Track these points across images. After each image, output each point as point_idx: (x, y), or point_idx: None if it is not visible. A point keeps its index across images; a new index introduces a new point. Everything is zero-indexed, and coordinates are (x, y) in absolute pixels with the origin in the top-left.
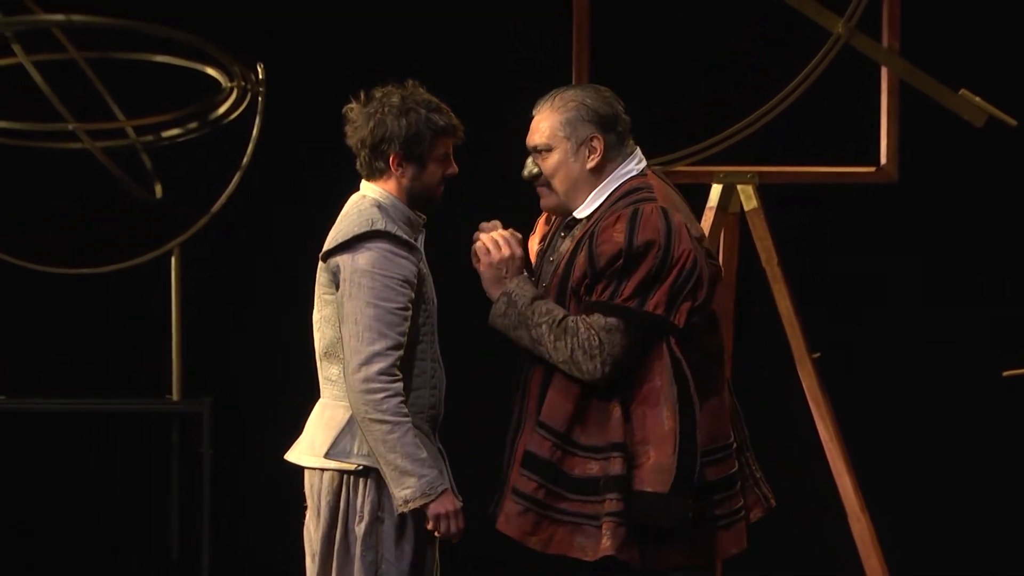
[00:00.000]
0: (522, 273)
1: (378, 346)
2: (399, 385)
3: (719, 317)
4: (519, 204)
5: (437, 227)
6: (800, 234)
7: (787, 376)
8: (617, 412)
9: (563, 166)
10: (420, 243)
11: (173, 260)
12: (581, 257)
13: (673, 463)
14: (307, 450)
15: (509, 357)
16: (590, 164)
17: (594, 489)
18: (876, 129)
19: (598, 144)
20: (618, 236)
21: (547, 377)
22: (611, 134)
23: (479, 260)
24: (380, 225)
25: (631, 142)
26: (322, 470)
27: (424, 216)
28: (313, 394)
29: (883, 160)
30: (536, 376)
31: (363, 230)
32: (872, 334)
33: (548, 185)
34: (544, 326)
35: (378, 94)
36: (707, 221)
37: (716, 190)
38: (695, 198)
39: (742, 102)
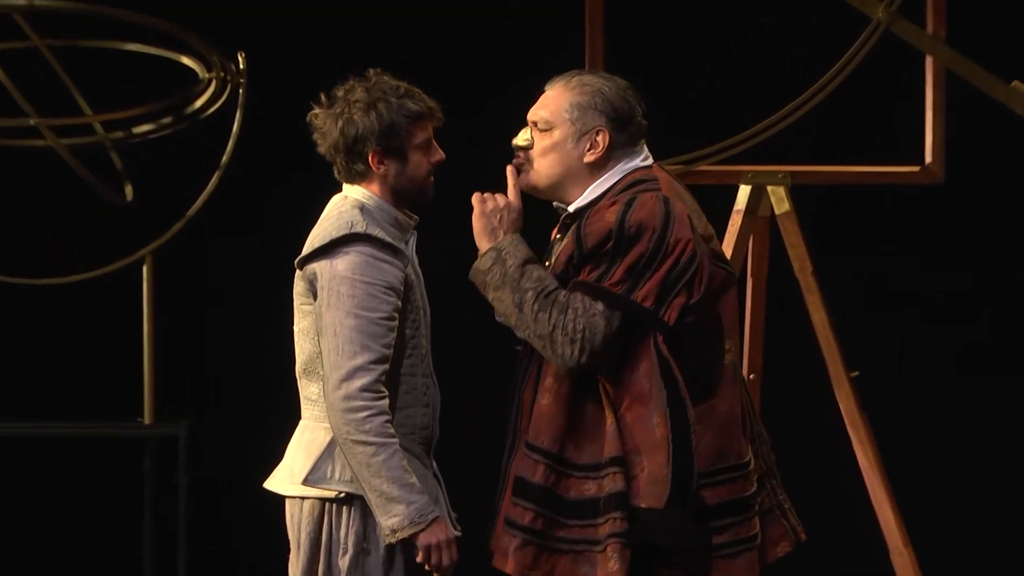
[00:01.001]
0: (518, 231)
1: (360, 360)
2: (384, 403)
3: (734, 327)
4: (530, 209)
5: (429, 227)
6: (836, 240)
7: (822, 397)
8: (611, 422)
9: (557, 150)
10: (411, 246)
11: (145, 269)
12: (568, 241)
13: (668, 474)
14: (287, 477)
15: (510, 369)
16: (588, 158)
17: (593, 511)
18: (920, 124)
19: (602, 139)
20: (609, 217)
21: (536, 389)
22: (621, 133)
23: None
24: (360, 228)
25: (642, 145)
26: (302, 498)
27: (415, 216)
28: (299, 414)
29: (928, 159)
30: (528, 390)
31: (341, 233)
32: (916, 350)
33: (531, 164)
34: (531, 292)
35: (340, 92)
36: (734, 225)
37: (744, 192)
38: (720, 201)
39: (772, 94)
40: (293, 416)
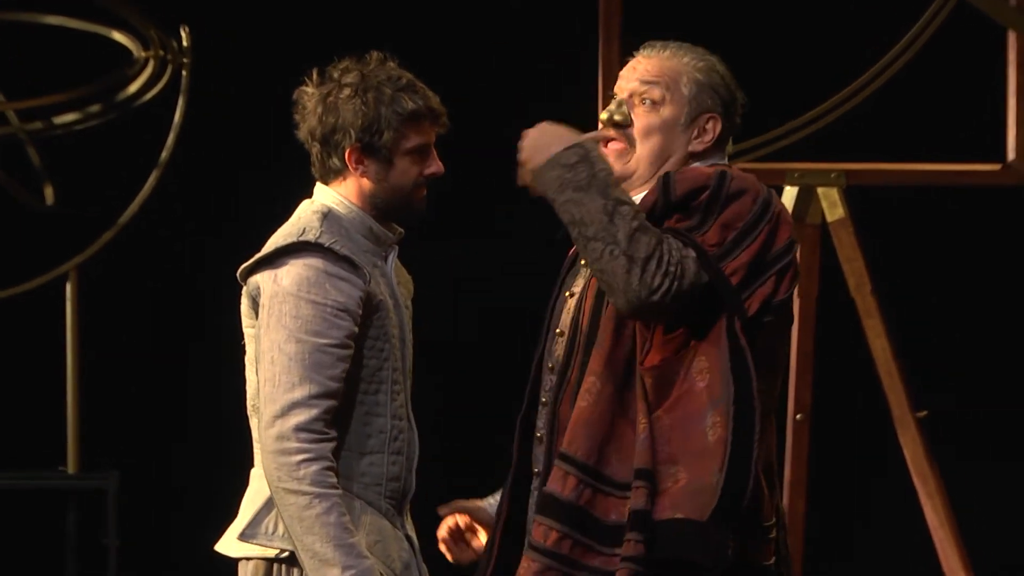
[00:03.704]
0: (599, 144)
1: (298, 393)
2: (325, 447)
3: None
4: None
5: (416, 238)
6: (901, 253)
7: (884, 440)
8: (644, 427)
9: (666, 131)
10: (390, 262)
11: (68, 287)
12: (646, 198)
13: (717, 482)
14: (232, 535)
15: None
16: (695, 146)
17: None
18: (1001, 114)
19: (712, 127)
20: (703, 172)
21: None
22: (728, 123)
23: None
24: (312, 236)
25: (730, 141)
26: (247, 559)
27: (400, 228)
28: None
29: (1010, 155)
30: (566, 402)
31: (288, 242)
32: (997, 384)
33: (632, 146)
34: (628, 207)
35: (335, 72)
36: None
37: (789, 194)
38: None
39: (823, 79)
40: (244, 465)
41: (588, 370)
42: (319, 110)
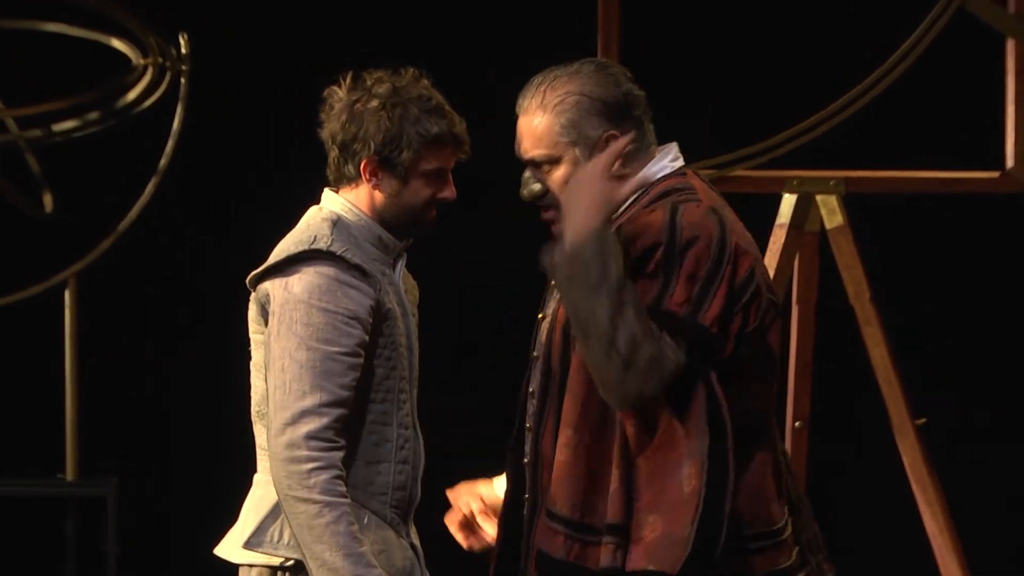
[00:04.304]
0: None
1: (309, 401)
2: (335, 455)
3: (777, 367)
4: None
5: (423, 245)
6: (899, 261)
7: (883, 449)
8: (616, 477)
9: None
10: (398, 270)
11: (67, 294)
12: None
13: (689, 535)
14: (235, 541)
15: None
16: (615, 171)
17: None
18: (1000, 122)
19: (619, 144)
20: (656, 220)
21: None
22: (627, 123)
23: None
24: (324, 243)
25: (651, 129)
26: (250, 566)
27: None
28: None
29: (1009, 163)
30: (547, 438)
31: (300, 249)
32: (997, 392)
33: (557, 205)
34: (632, 310)
35: (368, 80)
36: (776, 243)
37: (788, 202)
38: (760, 213)
39: (822, 87)
40: (250, 469)
41: (563, 421)
42: (344, 116)
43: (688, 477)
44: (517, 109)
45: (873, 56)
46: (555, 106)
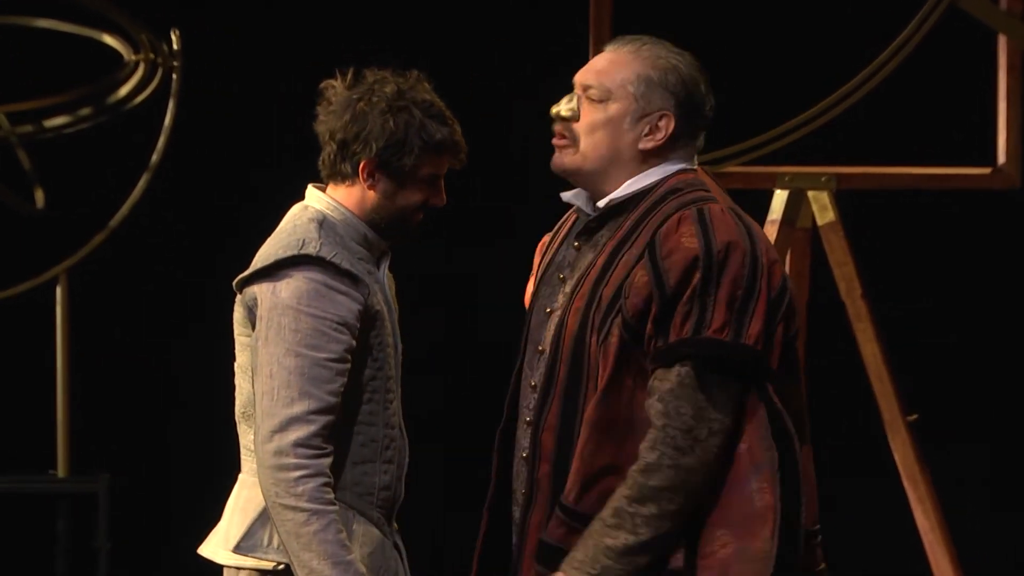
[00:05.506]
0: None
1: (298, 408)
2: (324, 462)
3: (800, 362)
4: (534, 216)
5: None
6: (891, 257)
7: (874, 446)
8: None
9: (611, 127)
10: (382, 269)
11: (59, 291)
12: (638, 277)
13: (771, 550)
14: (221, 542)
15: (495, 413)
16: (644, 144)
17: None
18: (991, 118)
19: (665, 125)
20: (688, 241)
21: (565, 429)
22: (687, 123)
23: None
24: (312, 248)
25: (699, 145)
26: (237, 568)
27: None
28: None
29: (1000, 159)
30: (548, 431)
31: (289, 254)
32: (989, 388)
33: (575, 141)
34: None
35: (370, 78)
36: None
37: (780, 198)
38: (752, 209)
39: (814, 83)
40: (235, 469)
41: (584, 419)
42: (346, 115)
43: (759, 491)
44: (612, 44)
45: (865, 52)
46: (647, 59)
